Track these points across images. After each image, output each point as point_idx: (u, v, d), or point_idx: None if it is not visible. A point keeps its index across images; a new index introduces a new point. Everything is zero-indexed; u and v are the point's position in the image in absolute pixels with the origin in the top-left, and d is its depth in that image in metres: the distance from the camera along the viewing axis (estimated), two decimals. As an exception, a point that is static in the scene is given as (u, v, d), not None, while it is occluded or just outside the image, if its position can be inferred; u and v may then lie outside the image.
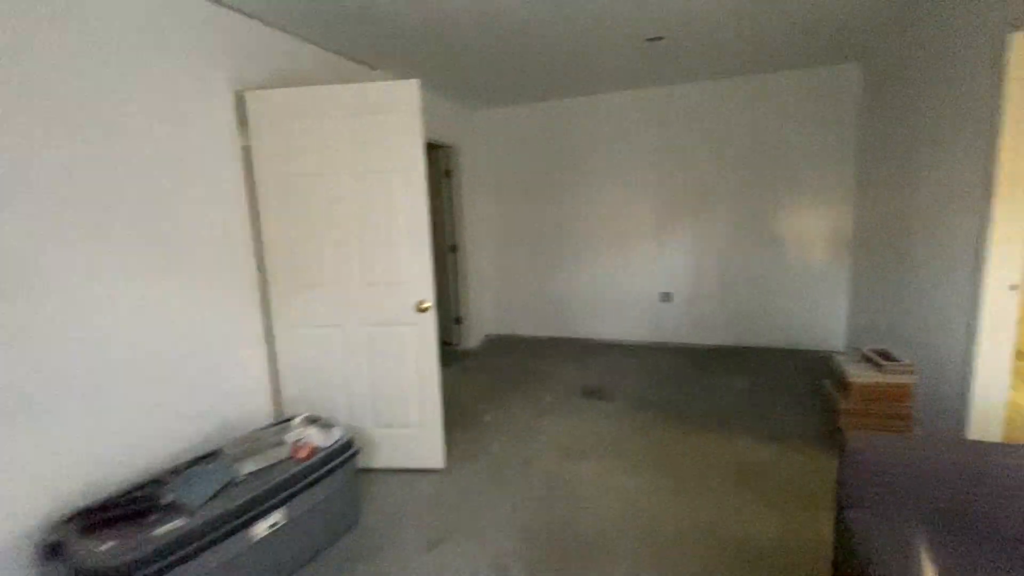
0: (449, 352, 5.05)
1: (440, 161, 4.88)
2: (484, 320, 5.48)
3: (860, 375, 2.66)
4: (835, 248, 4.35)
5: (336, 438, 2.20)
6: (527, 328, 5.51)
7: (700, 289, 4.81)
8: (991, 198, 2.31)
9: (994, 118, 2.27)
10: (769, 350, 4.59)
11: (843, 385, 2.76)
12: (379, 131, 2.48)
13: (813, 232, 4.40)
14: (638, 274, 4.99)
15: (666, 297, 4.93)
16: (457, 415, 3.45)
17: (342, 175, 2.53)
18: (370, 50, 3.22)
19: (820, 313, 4.47)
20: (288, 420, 2.28)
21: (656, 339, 5.01)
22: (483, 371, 4.48)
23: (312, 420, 2.28)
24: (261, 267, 2.61)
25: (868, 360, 2.80)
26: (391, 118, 2.47)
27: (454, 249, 5.02)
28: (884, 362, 2.65)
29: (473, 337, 5.23)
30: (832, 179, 4.28)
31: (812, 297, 4.48)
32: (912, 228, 3.12)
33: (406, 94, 2.44)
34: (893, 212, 3.43)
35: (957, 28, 2.61)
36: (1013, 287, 2.32)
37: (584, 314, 5.25)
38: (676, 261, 4.85)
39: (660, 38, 3.18)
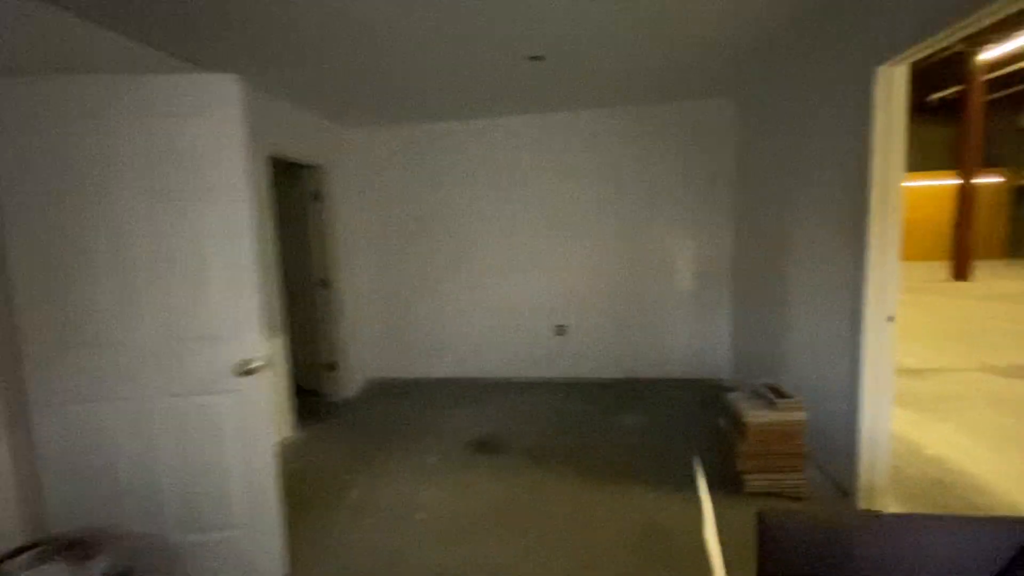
0: (319, 404, 4.33)
1: (308, 183, 4.25)
2: (365, 363, 4.83)
3: (755, 414, 2.52)
4: (719, 278, 4.42)
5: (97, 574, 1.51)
6: (416, 369, 4.95)
7: (594, 321, 4.63)
8: (865, 231, 2.29)
9: (864, 151, 2.27)
10: (662, 381, 4.50)
11: (739, 425, 2.60)
12: (184, 140, 1.88)
13: (698, 262, 4.44)
14: (533, 306, 4.71)
15: (561, 330, 4.69)
16: (314, 493, 2.81)
17: (132, 196, 1.88)
18: (203, 47, 2.60)
19: (707, 342, 4.49)
20: (17, 552, 1.54)
21: (551, 374, 4.73)
22: (359, 426, 3.84)
23: (58, 549, 1.56)
24: (5, 321, 1.85)
25: (760, 396, 2.68)
26: (201, 123, 1.89)
27: (326, 284, 4.36)
28: (776, 399, 2.54)
29: (351, 384, 4.56)
30: (713, 211, 4.36)
31: (699, 327, 4.49)
32: (790, 260, 3.15)
33: (221, 92, 1.89)
34: (771, 244, 3.48)
35: (824, 65, 2.66)
36: (891, 318, 2.31)
37: (478, 351, 4.84)
38: (571, 292, 4.64)
39: (541, 57, 2.95)
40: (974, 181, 10.37)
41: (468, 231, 4.71)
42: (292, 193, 4.33)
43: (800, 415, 2.50)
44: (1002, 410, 3.60)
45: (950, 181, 10.87)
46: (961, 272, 10.34)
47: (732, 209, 4.29)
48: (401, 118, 4.41)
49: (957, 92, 10.48)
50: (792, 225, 3.11)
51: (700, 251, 4.42)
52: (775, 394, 2.61)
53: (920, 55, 2.02)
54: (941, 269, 10.84)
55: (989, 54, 9.41)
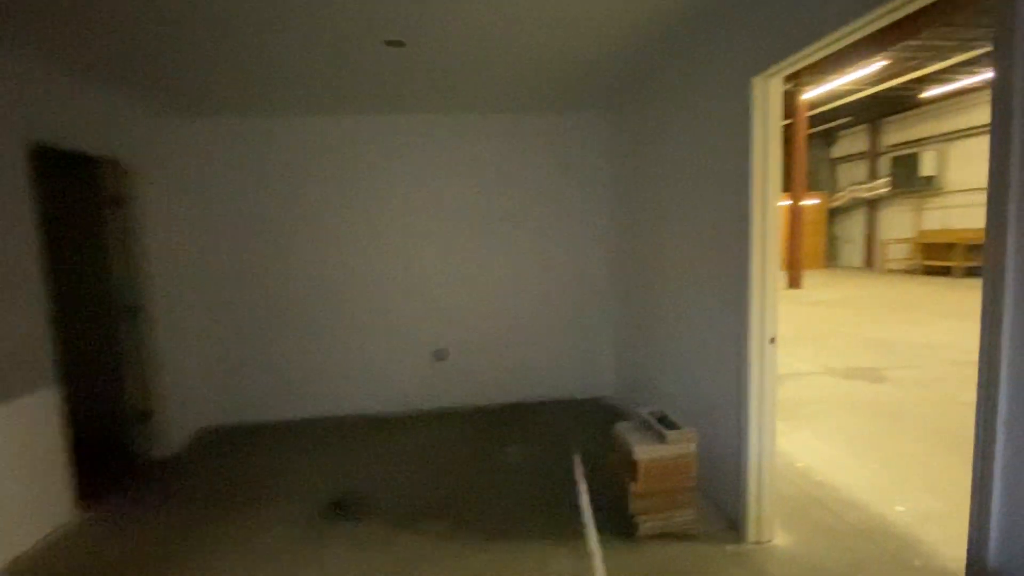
0: (126, 467, 3.35)
1: (105, 183, 3.31)
2: (197, 408, 3.91)
3: (644, 450, 2.30)
4: (601, 295, 4.30)
5: None
6: (265, 411, 4.13)
7: (475, 343, 4.25)
8: (747, 248, 2.19)
9: (743, 164, 2.17)
10: (548, 404, 4.26)
11: (628, 462, 2.36)
12: None
13: (580, 279, 4.28)
14: (407, 330, 4.18)
15: (440, 354, 4.23)
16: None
17: None
18: None
19: (591, 361, 4.35)
20: None
21: (430, 405, 4.24)
22: (179, 493, 3.00)
23: None
24: None
25: (648, 427, 2.48)
26: None
27: (134, 311, 3.42)
28: (665, 430, 2.34)
29: (175, 436, 3.63)
30: (594, 227, 4.24)
31: (582, 345, 4.33)
32: (671, 279, 3.05)
33: None
34: (652, 262, 3.39)
35: (700, 77, 2.57)
36: (772, 340, 2.22)
37: (344, 385, 4.17)
38: (450, 312, 4.21)
39: (400, 43, 2.51)
40: (801, 203, 12.00)
41: (329, 244, 4.05)
42: (82, 196, 3.35)
43: (691, 447, 2.32)
44: (850, 413, 3.89)
45: (783, 202, 12.51)
46: (795, 281, 11.85)
47: (614, 225, 4.21)
48: (245, 109, 3.65)
49: (786, 125, 12.11)
50: (672, 242, 3.01)
51: (582, 267, 4.28)
52: (663, 424, 2.42)
53: (795, 67, 1.95)
54: (779, 278, 12.35)
55: (810, 94, 10.99)
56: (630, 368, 3.92)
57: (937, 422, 3.63)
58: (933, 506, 2.52)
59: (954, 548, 2.17)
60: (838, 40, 1.79)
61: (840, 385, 4.57)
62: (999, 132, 1.14)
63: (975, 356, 4.16)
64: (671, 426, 2.39)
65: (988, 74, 10.40)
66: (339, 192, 4.01)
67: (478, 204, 4.14)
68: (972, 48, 8.99)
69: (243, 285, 4.01)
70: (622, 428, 2.53)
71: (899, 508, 2.51)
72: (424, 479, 3.06)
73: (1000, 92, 1.13)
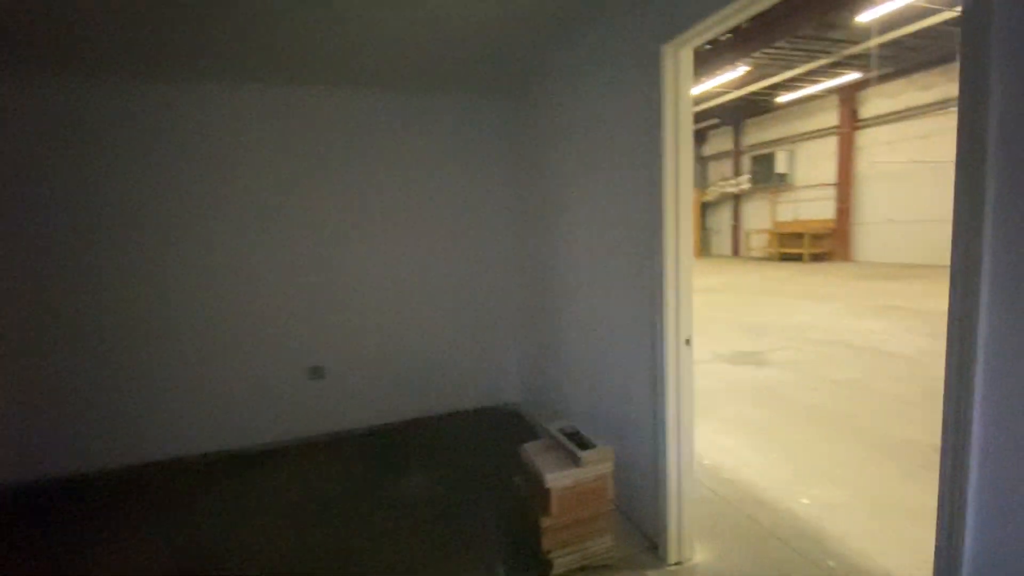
0: None
1: None
2: (-31, 466, 2.89)
3: (558, 477, 1.99)
4: (506, 295, 3.96)
5: None
6: (79, 459, 3.17)
7: (360, 355, 3.68)
8: (660, 240, 1.96)
9: (655, 145, 1.92)
10: (448, 416, 3.84)
11: (539, 492, 2.04)
12: None
13: (480, 277, 3.90)
14: (272, 344, 3.49)
15: (316, 372, 3.60)
16: None
17: None
18: None
19: (495, 366, 4.00)
20: None
21: (306, 432, 3.60)
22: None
23: None
24: None
25: (560, 447, 2.18)
26: None
27: None
28: (579, 451, 2.05)
29: (-71, 512, 2.63)
30: (493, 219, 3.88)
31: (484, 349, 3.96)
32: (579, 276, 2.79)
33: None
34: (558, 257, 3.11)
35: (607, 51, 2.29)
36: (688, 341, 2.03)
37: (189, 415, 3.36)
38: (326, 322, 3.59)
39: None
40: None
41: (163, 239, 3.22)
42: None
43: (607, 466, 2.06)
44: (744, 401, 3.98)
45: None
46: (678, 270, 12.66)
47: (519, 218, 3.88)
48: (47, 62, 2.71)
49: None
50: (580, 233, 2.75)
51: (483, 265, 3.89)
52: (575, 442, 2.13)
53: (708, 33, 1.72)
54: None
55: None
56: (537, 372, 3.64)
57: (818, 405, 3.82)
58: (833, 495, 2.54)
59: (860, 541, 2.16)
60: (749, 5, 1.59)
61: (730, 372, 4.72)
62: (969, 115, 0.95)
63: (838, 335, 4.42)
64: (585, 444, 2.11)
65: (829, 83, 11.85)
66: (200, 177, 3.19)
67: (363, 194, 3.57)
68: (816, 59, 10.12)
69: (42, 293, 3.04)
70: (530, 450, 2.20)
71: (804, 501, 2.49)
72: (292, 532, 2.48)
73: (971, 68, 0.94)
